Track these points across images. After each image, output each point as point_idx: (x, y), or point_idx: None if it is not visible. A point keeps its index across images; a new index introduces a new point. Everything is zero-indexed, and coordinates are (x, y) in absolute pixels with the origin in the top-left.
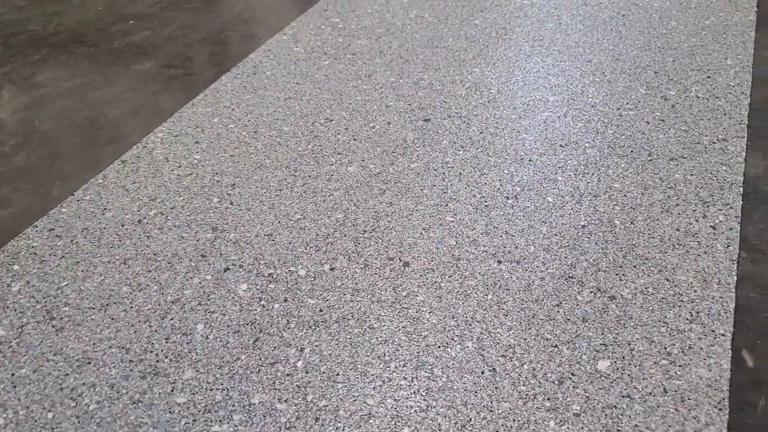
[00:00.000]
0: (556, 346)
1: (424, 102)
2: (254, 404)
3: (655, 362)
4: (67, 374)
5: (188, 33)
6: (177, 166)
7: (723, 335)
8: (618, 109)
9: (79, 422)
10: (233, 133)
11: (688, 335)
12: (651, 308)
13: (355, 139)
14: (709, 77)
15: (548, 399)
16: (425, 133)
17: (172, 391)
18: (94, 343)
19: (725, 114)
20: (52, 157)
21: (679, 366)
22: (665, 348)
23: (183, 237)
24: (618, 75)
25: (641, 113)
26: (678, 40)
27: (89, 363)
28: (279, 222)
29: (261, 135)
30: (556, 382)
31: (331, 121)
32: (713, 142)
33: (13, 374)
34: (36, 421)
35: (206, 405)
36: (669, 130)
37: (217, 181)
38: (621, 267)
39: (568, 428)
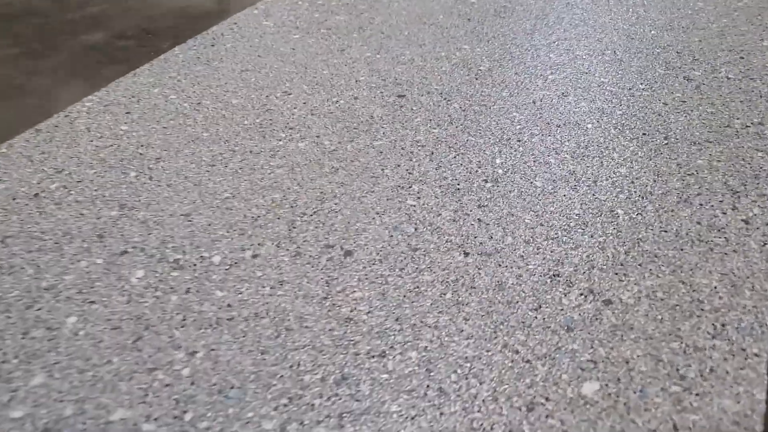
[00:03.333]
0: (528, 362)
1: (401, 77)
2: (112, 422)
3: (662, 388)
4: None
5: (151, 6)
6: (98, 137)
7: (756, 356)
8: (630, 89)
9: None
10: (172, 105)
11: (710, 354)
12: (659, 317)
13: (312, 114)
14: (742, 58)
15: (510, 431)
16: (396, 110)
17: (9, 401)
18: None
19: (761, 96)
20: None
21: (696, 395)
22: (677, 370)
23: (82, 214)
24: (632, 55)
25: (658, 94)
26: (706, 20)
27: None
28: (202, 200)
29: (204, 107)
30: (524, 409)
31: (289, 94)
32: (746, 126)
33: None
34: None
35: (48, 422)
36: (692, 111)
37: (140, 154)
38: (622, 265)
39: None
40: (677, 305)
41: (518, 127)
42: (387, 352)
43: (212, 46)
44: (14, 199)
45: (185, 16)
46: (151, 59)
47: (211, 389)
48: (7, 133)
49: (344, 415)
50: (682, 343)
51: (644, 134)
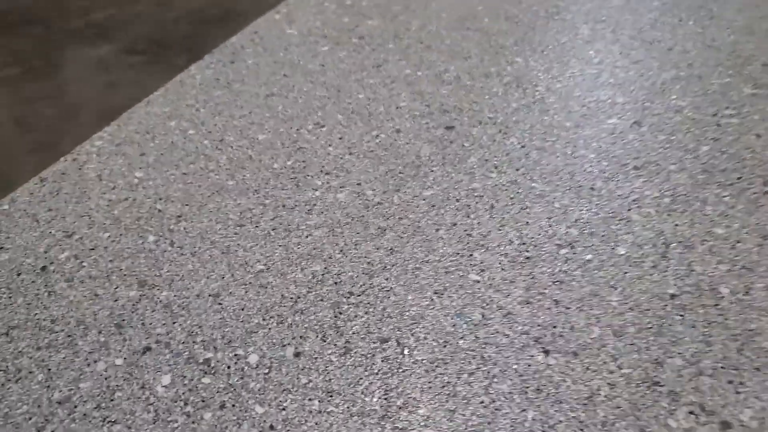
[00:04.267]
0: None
1: (448, 102)
2: None
3: None
4: None
5: (161, 11)
6: (111, 188)
7: None
8: (714, 115)
9: None
10: (191, 143)
11: None
12: None
13: (350, 153)
14: None
15: None
16: (446, 147)
17: None
18: None
19: None
20: None
21: None
22: None
23: (97, 295)
24: (711, 68)
25: (747, 122)
26: None
27: None
28: (232, 275)
29: (227, 146)
30: None
31: (322, 127)
32: None
33: None
34: None
35: None
36: None
37: (159, 211)
38: (736, 369)
39: None
40: None
41: (590, 169)
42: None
43: (232, 63)
44: (19, 274)
45: (199, 22)
46: (164, 80)
47: None
48: (9, 182)
49: None
50: None
51: (739, 178)
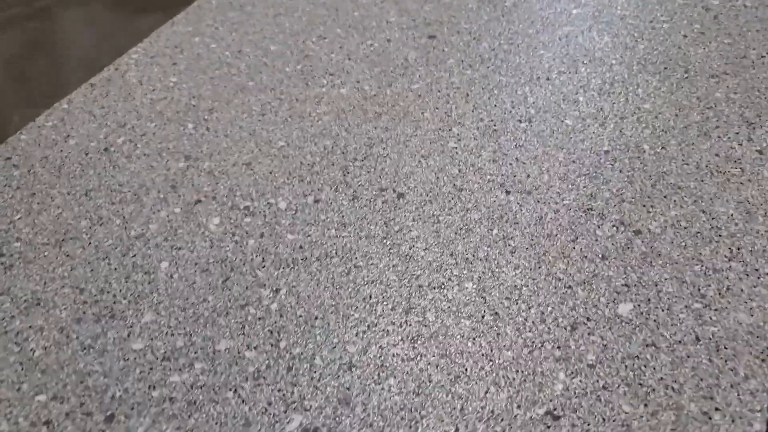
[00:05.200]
0: (569, 287)
1: (430, 17)
2: (219, 351)
3: (686, 306)
4: (12, 316)
5: None
6: (151, 90)
7: None
8: (651, 21)
9: (22, 369)
10: (214, 54)
11: (727, 275)
12: (683, 244)
13: (349, 59)
14: None
15: (558, 347)
16: (429, 51)
17: (129, 336)
18: (45, 283)
19: None
20: (15, 82)
21: (715, 310)
22: (699, 290)
23: (152, 166)
24: None
25: (677, 25)
26: None
27: (38, 304)
28: (260, 150)
29: (245, 55)
30: (569, 329)
31: (325, 39)
32: (762, 56)
33: None
34: None
35: (165, 352)
36: (710, 43)
37: (194, 106)
38: (649, 198)
39: (580, 381)
40: (698, 232)
41: (546, 65)
42: (445, 284)
43: None
44: (86, 154)
45: None
46: (185, 5)
47: (298, 320)
48: (61, 89)
49: (415, 338)
50: (703, 266)
51: (666, 68)
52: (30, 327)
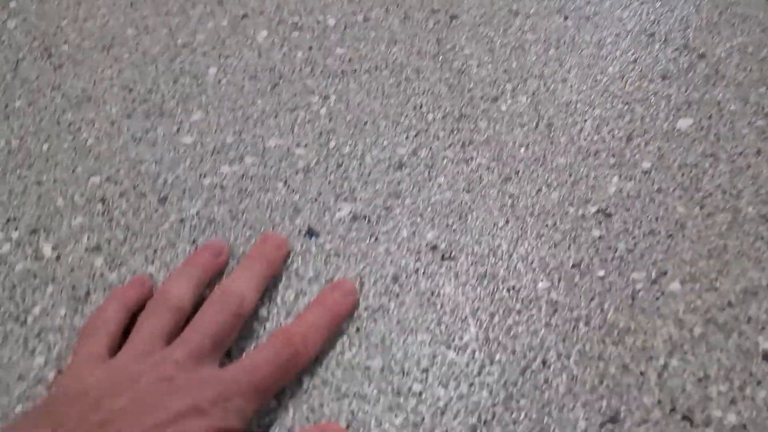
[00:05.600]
0: (627, 104)
1: None
2: (269, 147)
3: (749, 123)
4: (64, 110)
5: None
6: None
7: None
8: None
9: (76, 155)
10: None
11: None
12: (748, 68)
13: None
14: None
15: (613, 155)
16: None
17: (178, 131)
18: (94, 82)
19: None
20: None
21: None
22: (763, 109)
23: None
24: None
25: None
26: None
27: (89, 100)
28: None
29: None
30: (624, 140)
31: None
32: None
33: (6, 106)
34: (30, 151)
35: (215, 146)
36: None
37: None
38: (716, 24)
39: (634, 185)
40: (765, 58)
41: None
42: (499, 97)
43: None
44: None
45: None
46: None
47: (347, 124)
48: None
49: (466, 143)
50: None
51: None
52: (82, 119)
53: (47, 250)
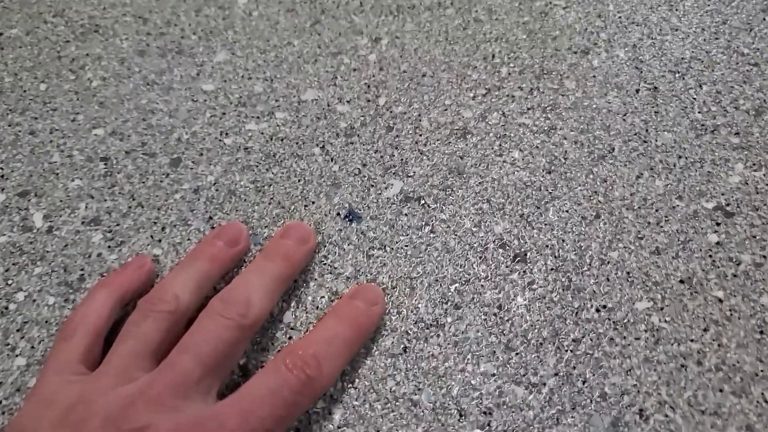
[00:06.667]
0: (756, 65)
1: None
2: (305, 102)
3: None
4: (68, 41)
5: None
6: None
7: None
8: None
9: (78, 99)
10: None
11: None
12: None
13: None
14: None
15: (737, 133)
16: None
17: (198, 75)
18: (104, 8)
19: None
20: None
21: None
22: None
23: None
24: None
25: None
26: None
27: (96, 31)
28: None
29: None
30: (752, 113)
31: None
32: None
33: (1, 34)
34: (25, 91)
35: (241, 97)
36: None
37: None
38: None
39: (764, 175)
40: None
41: None
42: (591, 49)
43: None
44: None
45: None
46: None
47: (401, 76)
48: None
49: (548, 108)
50: None
51: None
52: (87, 54)
53: (38, 218)
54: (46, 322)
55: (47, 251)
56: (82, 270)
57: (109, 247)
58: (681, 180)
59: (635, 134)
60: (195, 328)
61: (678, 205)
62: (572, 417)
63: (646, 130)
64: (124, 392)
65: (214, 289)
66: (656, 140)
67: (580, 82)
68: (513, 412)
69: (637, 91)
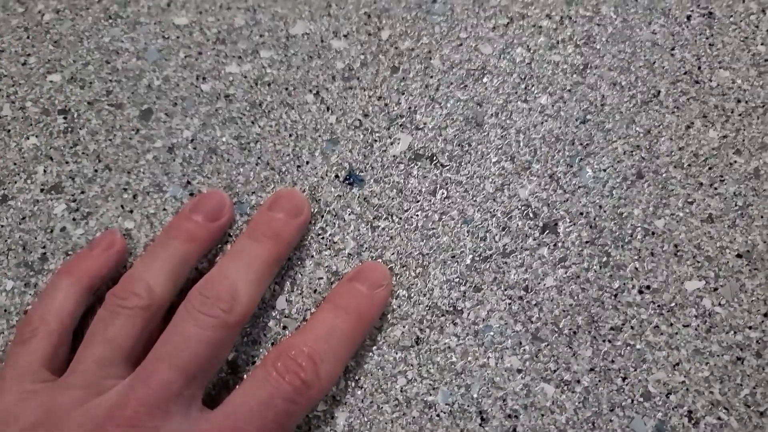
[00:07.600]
0: None
1: None
2: (295, 37)
3: None
4: None
5: None
6: None
7: None
8: None
9: (28, 37)
10: None
11: None
12: None
13: None
14: None
15: None
16: None
17: (169, 5)
18: None
19: None
20: None
21: None
22: None
23: None
24: None
25: None
26: None
27: None
28: None
29: None
30: None
31: None
32: None
33: None
34: None
35: (219, 32)
36: None
37: None
38: None
39: None
40: None
41: None
42: None
43: None
44: None
45: None
46: None
47: (408, 2)
48: None
49: (582, 42)
50: None
51: None
52: None
53: None
54: (5, 310)
55: (1, 226)
56: (43, 248)
57: (74, 219)
58: (740, 130)
59: (685, 73)
60: (172, 330)
61: (736, 161)
62: (611, 421)
63: (699, 68)
64: (94, 411)
65: (196, 269)
66: (710, 80)
67: (619, 9)
68: (542, 415)
69: (689, 17)
